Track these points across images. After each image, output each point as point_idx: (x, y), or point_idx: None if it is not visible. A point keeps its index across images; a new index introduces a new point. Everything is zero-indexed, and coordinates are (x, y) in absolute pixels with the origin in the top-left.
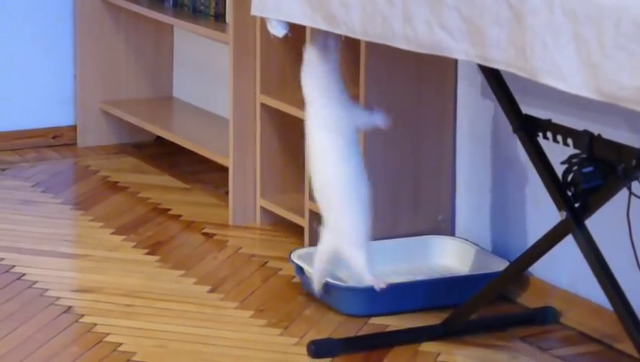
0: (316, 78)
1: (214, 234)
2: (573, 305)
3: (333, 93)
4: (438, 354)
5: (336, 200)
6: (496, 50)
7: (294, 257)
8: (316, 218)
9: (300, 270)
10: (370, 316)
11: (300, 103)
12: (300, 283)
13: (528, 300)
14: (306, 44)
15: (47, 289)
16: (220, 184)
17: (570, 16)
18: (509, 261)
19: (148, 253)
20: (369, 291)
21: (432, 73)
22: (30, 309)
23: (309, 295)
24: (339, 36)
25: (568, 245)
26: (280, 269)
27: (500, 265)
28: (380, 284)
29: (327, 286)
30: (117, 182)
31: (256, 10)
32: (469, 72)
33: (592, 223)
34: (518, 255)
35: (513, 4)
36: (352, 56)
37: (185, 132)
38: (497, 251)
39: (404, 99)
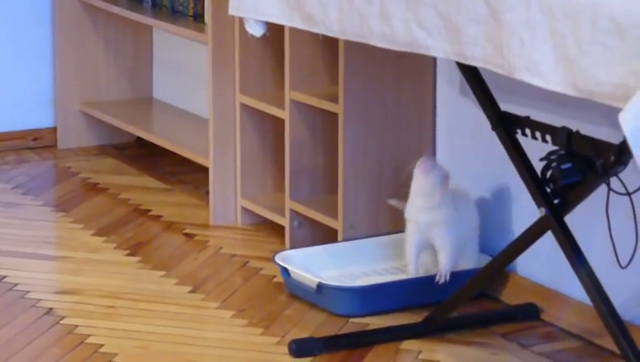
0: None
1: (195, 235)
2: (554, 301)
3: None
4: (419, 352)
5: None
6: (474, 47)
7: (278, 259)
8: (296, 217)
9: (286, 272)
10: (356, 316)
11: (280, 103)
12: (282, 283)
13: (509, 297)
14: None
15: (28, 292)
16: (200, 184)
17: (546, 12)
18: (490, 257)
19: (129, 254)
20: (354, 291)
21: (411, 71)
22: (11, 311)
23: (291, 295)
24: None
25: (548, 241)
26: (261, 269)
27: (480, 262)
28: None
29: (318, 286)
30: (97, 183)
31: (233, 10)
32: (448, 70)
33: (571, 219)
34: (498, 252)
35: (490, 1)
36: (331, 55)
37: (165, 133)
38: None
39: (383, 97)
